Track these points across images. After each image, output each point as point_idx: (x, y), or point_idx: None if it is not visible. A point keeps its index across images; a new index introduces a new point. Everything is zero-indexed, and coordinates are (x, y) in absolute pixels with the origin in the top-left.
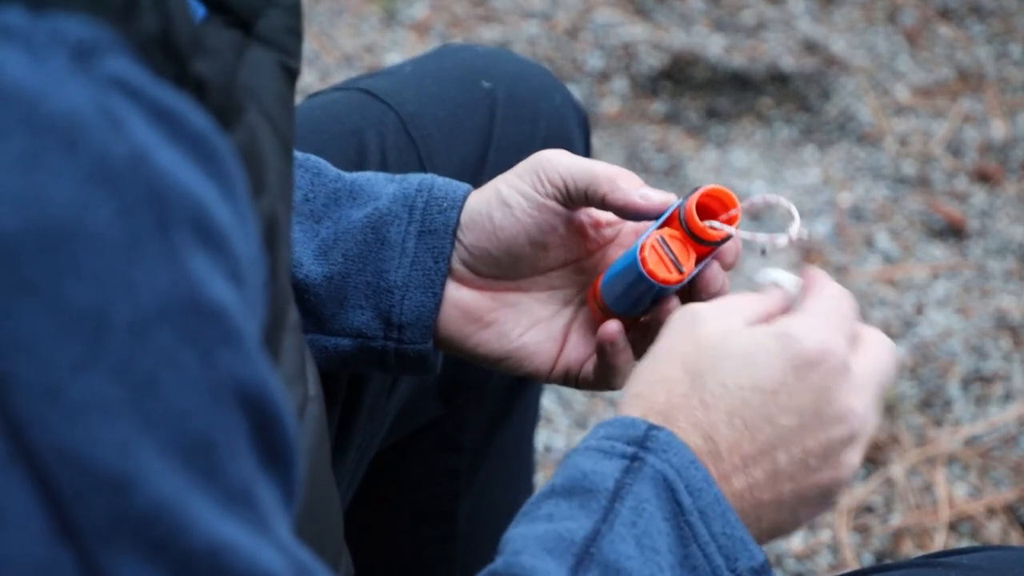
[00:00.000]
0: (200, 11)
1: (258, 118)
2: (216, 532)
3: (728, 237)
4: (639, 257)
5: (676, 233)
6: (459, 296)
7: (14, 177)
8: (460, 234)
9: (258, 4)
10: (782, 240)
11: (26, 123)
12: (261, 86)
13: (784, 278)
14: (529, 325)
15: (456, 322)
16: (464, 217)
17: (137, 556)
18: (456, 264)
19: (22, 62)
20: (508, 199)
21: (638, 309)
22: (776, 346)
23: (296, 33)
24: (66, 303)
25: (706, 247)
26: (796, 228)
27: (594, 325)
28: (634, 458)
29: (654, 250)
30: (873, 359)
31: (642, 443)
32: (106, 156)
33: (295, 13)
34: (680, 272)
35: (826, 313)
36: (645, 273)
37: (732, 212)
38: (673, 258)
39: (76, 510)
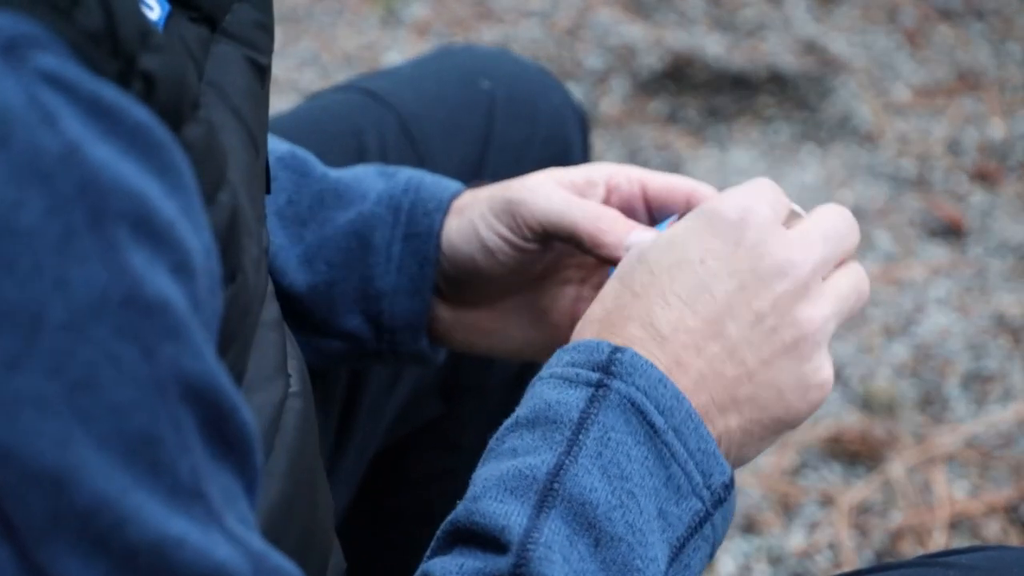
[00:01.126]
0: (165, 7)
1: (223, 112)
2: (162, 526)
3: None
4: None
5: None
6: (457, 316)
7: None
8: (448, 267)
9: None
10: None
11: None
12: (227, 81)
13: None
14: (534, 320)
15: (460, 335)
16: (448, 249)
17: (78, 552)
18: (447, 291)
19: None
20: (488, 243)
21: None
22: (695, 221)
23: (265, 28)
24: None
25: None
26: None
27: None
28: (599, 385)
29: None
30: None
31: (606, 368)
32: (38, 151)
33: (263, 8)
34: None
35: (753, 188)
36: None
37: None
38: None
39: (12, 507)
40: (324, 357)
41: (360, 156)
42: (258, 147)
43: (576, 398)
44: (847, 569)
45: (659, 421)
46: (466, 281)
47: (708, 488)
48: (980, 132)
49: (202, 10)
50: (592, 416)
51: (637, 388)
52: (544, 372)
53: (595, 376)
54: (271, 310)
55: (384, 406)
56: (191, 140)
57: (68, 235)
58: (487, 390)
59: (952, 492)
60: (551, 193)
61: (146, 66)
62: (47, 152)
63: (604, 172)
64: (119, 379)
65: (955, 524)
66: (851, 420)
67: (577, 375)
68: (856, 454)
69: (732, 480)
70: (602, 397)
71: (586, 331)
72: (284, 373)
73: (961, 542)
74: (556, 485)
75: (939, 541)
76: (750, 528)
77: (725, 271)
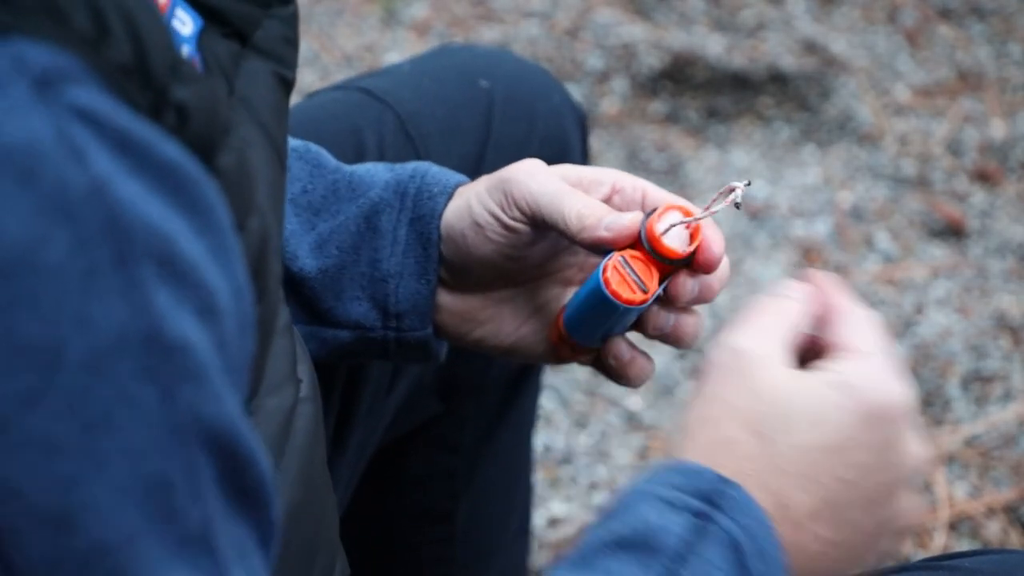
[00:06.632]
0: (198, 22)
1: (252, 129)
2: None
3: (690, 257)
4: (602, 279)
5: (638, 254)
6: (450, 301)
7: None
8: (445, 248)
9: (255, 15)
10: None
11: None
12: (256, 96)
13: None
14: (527, 316)
15: (452, 323)
16: (445, 229)
17: None
18: (445, 274)
19: None
20: (479, 218)
21: (607, 334)
22: (844, 400)
23: (292, 43)
24: (18, 336)
25: (668, 265)
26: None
27: None
28: (701, 515)
29: (616, 271)
30: None
31: (711, 499)
32: (65, 187)
33: (291, 23)
34: (644, 292)
35: (880, 351)
36: (609, 295)
37: (692, 222)
38: (636, 278)
39: (13, 546)
40: (329, 349)
41: (359, 155)
42: (283, 163)
43: (677, 524)
44: None
45: (756, 567)
46: (460, 263)
47: None
48: (980, 132)
49: (233, 25)
50: (693, 546)
51: (742, 528)
52: (645, 486)
53: (696, 504)
54: (283, 315)
55: (383, 406)
56: (223, 168)
57: (92, 273)
58: (485, 390)
59: (952, 492)
60: (546, 179)
61: (178, 97)
62: (74, 188)
63: (612, 175)
64: (134, 421)
65: (955, 525)
66: None
67: (679, 499)
68: None
69: None
70: (704, 529)
71: (694, 445)
72: (294, 379)
73: (961, 543)
74: None
75: (939, 542)
76: None
77: (859, 461)
